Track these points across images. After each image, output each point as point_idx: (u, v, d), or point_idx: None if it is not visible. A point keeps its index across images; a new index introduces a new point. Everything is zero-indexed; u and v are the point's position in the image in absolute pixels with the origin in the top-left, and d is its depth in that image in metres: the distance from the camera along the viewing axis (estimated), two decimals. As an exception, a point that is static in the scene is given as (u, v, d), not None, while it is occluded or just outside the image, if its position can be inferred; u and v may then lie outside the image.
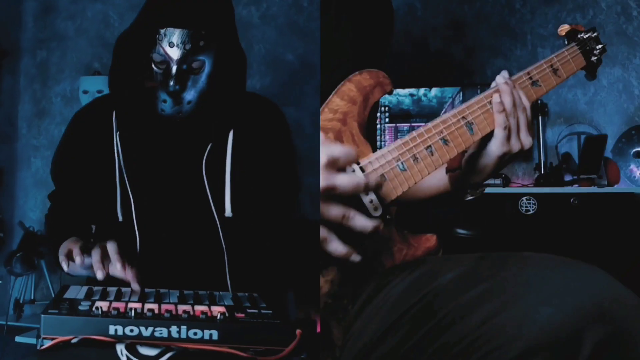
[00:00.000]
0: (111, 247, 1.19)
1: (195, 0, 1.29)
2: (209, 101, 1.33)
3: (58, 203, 1.48)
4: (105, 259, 1.19)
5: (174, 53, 1.26)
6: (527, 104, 1.09)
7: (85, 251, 1.21)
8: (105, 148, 1.39)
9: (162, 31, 1.26)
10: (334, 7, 1.19)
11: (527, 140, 1.08)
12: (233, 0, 1.40)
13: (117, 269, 1.17)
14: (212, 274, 1.38)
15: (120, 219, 1.38)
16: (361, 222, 0.87)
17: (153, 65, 1.29)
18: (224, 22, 1.35)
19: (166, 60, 1.27)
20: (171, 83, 1.27)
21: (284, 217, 1.49)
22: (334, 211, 0.86)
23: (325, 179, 0.85)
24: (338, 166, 0.87)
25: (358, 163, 0.97)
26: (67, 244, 1.29)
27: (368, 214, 0.94)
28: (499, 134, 1.07)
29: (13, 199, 3.53)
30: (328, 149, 0.87)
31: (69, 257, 1.23)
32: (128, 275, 1.18)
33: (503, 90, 1.08)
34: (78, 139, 1.45)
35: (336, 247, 0.88)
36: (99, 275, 1.16)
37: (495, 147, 1.08)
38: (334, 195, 0.86)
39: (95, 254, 1.18)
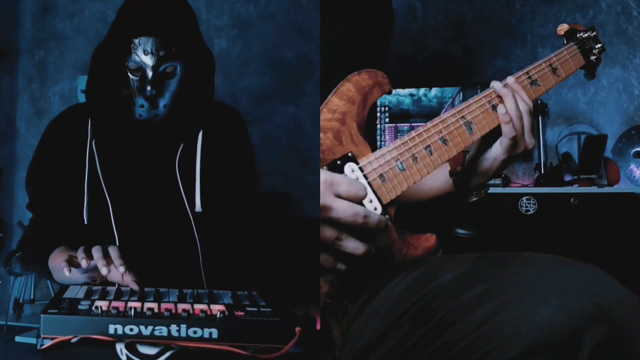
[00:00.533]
0: (113, 251, 1.19)
1: (164, 10, 1.35)
2: (182, 104, 1.39)
3: (40, 213, 1.46)
4: (106, 257, 1.18)
5: (149, 60, 1.33)
6: (529, 103, 1.10)
7: (87, 253, 1.19)
8: (82, 155, 1.42)
9: (136, 40, 1.32)
10: (333, 6, 1.19)
11: (530, 141, 1.10)
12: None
13: (119, 272, 1.16)
14: (189, 270, 1.40)
15: (86, 222, 1.39)
16: (353, 245, 0.89)
17: (129, 73, 1.35)
18: (190, 28, 1.40)
19: (142, 67, 1.33)
20: (148, 88, 1.33)
21: (247, 212, 1.53)
22: (328, 232, 0.88)
23: (324, 197, 0.87)
24: (338, 194, 0.88)
25: (357, 163, 0.98)
26: (60, 254, 1.29)
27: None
28: (505, 142, 1.09)
29: (12, 198, 3.53)
30: (330, 175, 0.89)
31: (70, 263, 1.21)
32: (127, 279, 1.18)
33: (504, 95, 1.09)
34: (54, 148, 1.46)
35: (325, 258, 0.91)
36: (104, 271, 1.15)
37: (500, 153, 1.10)
38: (329, 218, 0.87)
39: (97, 252, 1.18)
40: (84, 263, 1.16)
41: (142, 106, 1.35)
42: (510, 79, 1.11)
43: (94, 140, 1.42)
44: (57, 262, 1.27)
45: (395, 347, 0.88)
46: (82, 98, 3.28)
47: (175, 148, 1.44)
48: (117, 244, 1.37)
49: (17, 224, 3.19)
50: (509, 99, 1.08)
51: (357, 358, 0.92)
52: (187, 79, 1.38)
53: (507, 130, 1.07)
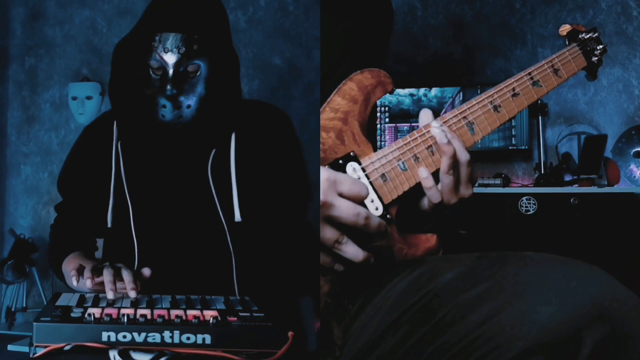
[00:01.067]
0: (127, 276, 1.16)
1: (187, 7, 1.32)
2: (209, 105, 1.34)
3: (63, 215, 1.49)
4: (117, 279, 1.17)
5: (170, 58, 1.29)
6: (466, 154, 1.01)
7: (96, 272, 1.19)
8: (109, 160, 1.41)
9: (157, 37, 1.29)
10: (333, 6, 1.18)
11: (466, 192, 1.02)
12: (219, 4, 1.40)
13: (130, 296, 1.14)
14: (219, 279, 1.37)
15: (110, 225, 1.39)
16: (353, 251, 0.89)
17: (151, 72, 1.31)
18: (216, 27, 1.36)
19: (162, 66, 1.30)
20: (168, 87, 1.29)
21: (293, 221, 1.47)
22: (328, 234, 0.88)
23: (326, 195, 0.86)
24: (340, 192, 0.88)
25: (360, 163, 0.98)
26: (72, 260, 1.31)
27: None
28: (430, 204, 1.03)
29: (3, 206, 3.51)
30: (333, 174, 0.88)
31: (80, 273, 1.21)
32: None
33: (443, 151, 0.99)
34: (83, 151, 1.47)
35: (324, 259, 0.91)
36: (110, 295, 1.13)
37: (428, 207, 1.04)
38: (330, 216, 0.87)
39: (108, 274, 1.16)
40: (88, 283, 1.17)
41: (164, 106, 1.31)
42: (435, 124, 1.01)
43: (119, 142, 1.40)
44: (69, 267, 1.30)
45: (395, 347, 0.88)
46: (72, 105, 3.30)
47: (204, 152, 1.39)
48: (136, 248, 1.36)
49: (8, 231, 3.18)
50: (447, 158, 0.99)
51: (357, 357, 0.92)
52: (212, 78, 1.33)
53: (431, 195, 1.00)
